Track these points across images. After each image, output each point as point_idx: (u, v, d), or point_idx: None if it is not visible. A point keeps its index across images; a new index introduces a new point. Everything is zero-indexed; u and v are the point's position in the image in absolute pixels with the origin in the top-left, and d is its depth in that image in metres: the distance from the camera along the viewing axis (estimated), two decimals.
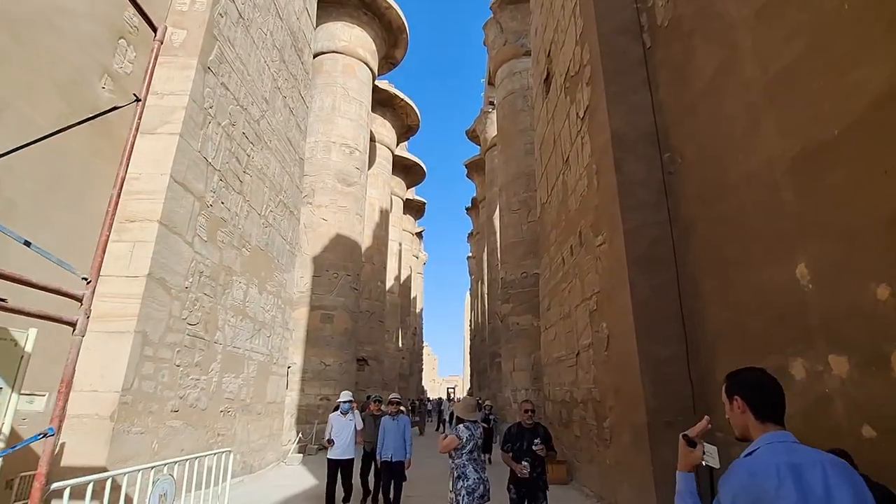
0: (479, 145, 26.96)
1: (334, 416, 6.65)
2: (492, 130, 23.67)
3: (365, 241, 20.57)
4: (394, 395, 6.90)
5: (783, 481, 1.26)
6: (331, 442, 6.40)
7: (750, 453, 1.38)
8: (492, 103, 23.77)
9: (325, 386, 13.30)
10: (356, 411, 6.82)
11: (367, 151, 17.13)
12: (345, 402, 6.72)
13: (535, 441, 4.37)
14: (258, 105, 8.78)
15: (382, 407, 8.72)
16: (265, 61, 9.05)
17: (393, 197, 28.78)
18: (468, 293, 65.76)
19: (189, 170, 6.45)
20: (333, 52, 16.81)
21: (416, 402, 19.07)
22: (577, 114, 7.36)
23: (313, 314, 13.81)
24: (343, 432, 6.46)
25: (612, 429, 5.84)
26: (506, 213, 15.40)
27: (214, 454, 5.88)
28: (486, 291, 26.71)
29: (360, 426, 6.63)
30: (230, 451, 5.81)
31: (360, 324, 18.80)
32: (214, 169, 7.12)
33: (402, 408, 6.64)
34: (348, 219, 15.25)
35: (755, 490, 1.27)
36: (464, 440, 3.97)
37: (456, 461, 3.97)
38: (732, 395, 1.53)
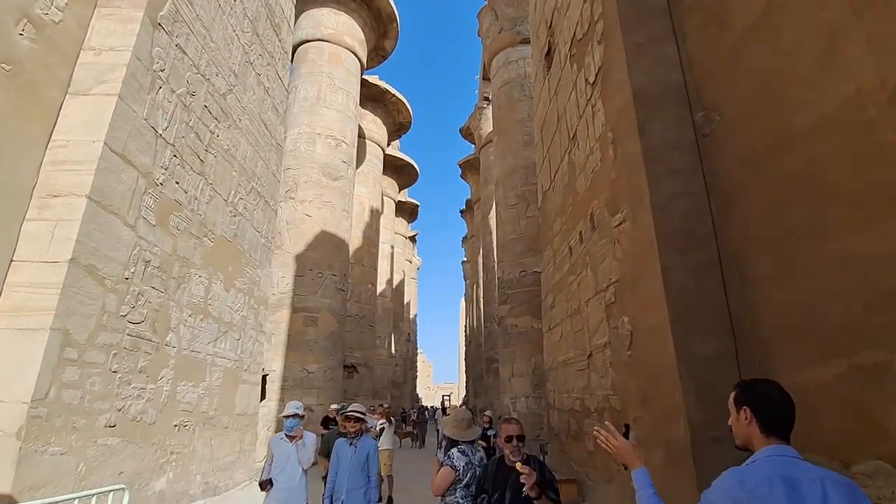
0: (474, 143, 26.09)
1: (275, 441, 4.43)
2: (486, 127, 22.82)
3: (354, 242, 19.56)
4: (353, 407, 4.34)
5: (774, 492, 1.25)
6: (267, 485, 4.18)
7: (748, 465, 1.40)
8: (486, 99, 22.92)
9: (307, 395, 12.20)
10: (309, 434, 4.47)
11: (355, 145, 16.17)
12: (289, 416, 4.37)
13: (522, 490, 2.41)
14: (225, 77, 7.79)
15: (372, 424, 7.73)
16: (234, 30, 8.08)
17: (384, 198, 27.81)
18: (463, 299, 64.74)
19: (131, 139, 5.43)
20: (319, 40, 15.89)
21: (408, 412, 17.61)
22: (587, 80, 6.43)
23: (295, 317, 12.73)
24: (288, 465, 4.23)
25: (638, 445, 4.84)
26: (503, 209, 14.46)
27: (98, 493, 4.39)
28: (481, 295, 25.71)
29: (307, 462, 4.28)
30: (124, 489, 4.67)
31: (348, 328, 17.74)
32: (167, 143, 6.11)
33: (365, 424, 4.34)
34: (334, 215, 14.23)
35: (740, 496, 1.28)
36: (460, 472, 2.94)
37: (447, 500, 2.94)
38: (741, 405, 1.54)
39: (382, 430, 7.91)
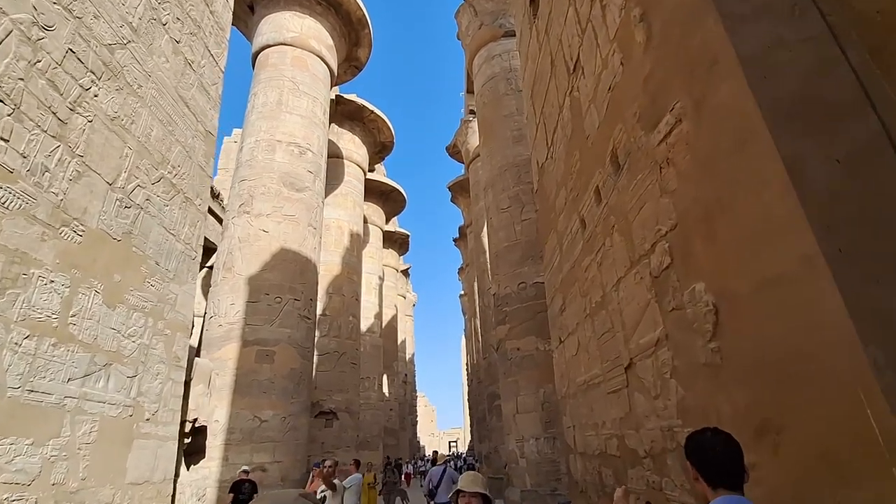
0: (462, 161, 24.45)
1: None
2: (473, 141, 21.19)
3: (332, 269, 17.42)
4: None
5: None
6: None
7: None
8: (472, 112, 21.43)
9: (259, 451, 9.67)
10: None
11: (324, 155, 14.32)
12: None
13: None
14: (112, 26, 5.90)
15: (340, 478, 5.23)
16: None
17: (371, 226, 25.91)
18: (463, 337, 61.73)
19: None
20: (281, 44, 14.37)
21: (395, 463, 14.12)
22: None
23: (245, 351, 10.38)
24: None
25: None
26: (494, 215, 12.43)
27: None
28: (478, 325, 23.28)
29: None
30: None
31: (324, 367, 15.30)
32: None
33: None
34: (297, 230, 12.14)
35: None
36: None
37: None
38: (688, 461, 1.46)
39: (324, 501, 5.48)
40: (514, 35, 12.46)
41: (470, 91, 21.61)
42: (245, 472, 7.93)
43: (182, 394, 7.23)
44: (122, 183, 6.09)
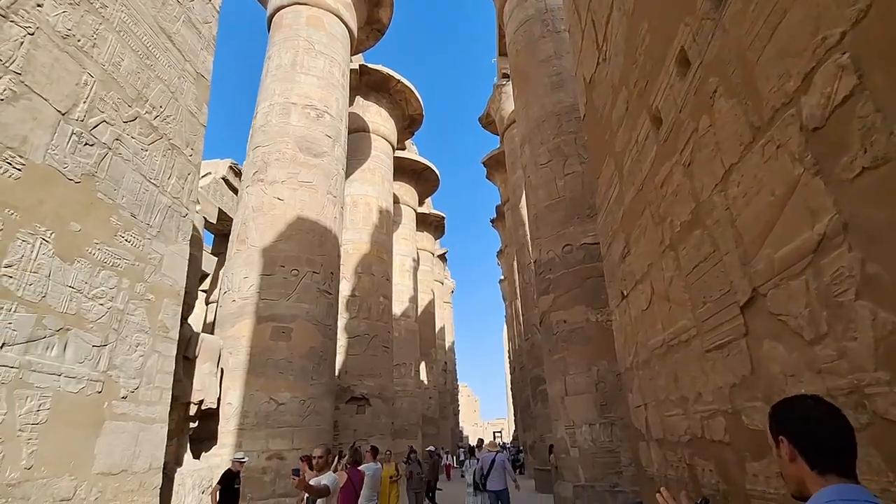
0: (496, 133, 22.84)
1: None
2: (508, 106, 19.55)
3: (360, 248, 16.43)
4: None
5: None
6: None
7: None
8: (506, 76, 19.79)
9: (276, 437, 8.72)
10: None
11: (344, 121, 13.20)
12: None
13: None
14: None
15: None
16: None
17: (403, 207, 24.83)
18: (504, 325, 60.10)
19: None
20: (296, 3, 13.32)
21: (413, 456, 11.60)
22: None
23: (260, 328, 9.45)
24: None
25: None
26: (532, 172, 10.90)
27: None
28: (519, 307, 21.76)
29: None
30: None
31: (354, 350, 14.32)
32: None
33: None
34: (315, 198, 11.09)
35: None
36: None
37: None
38: (777, 436, 1.22)
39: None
40: None
41: (503, 54, 19.96)
42: (240, 461, 6.91)
43: (172, 369, 6.26)
44: (81, 115, 5.08)
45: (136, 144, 5.85)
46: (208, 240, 20.09)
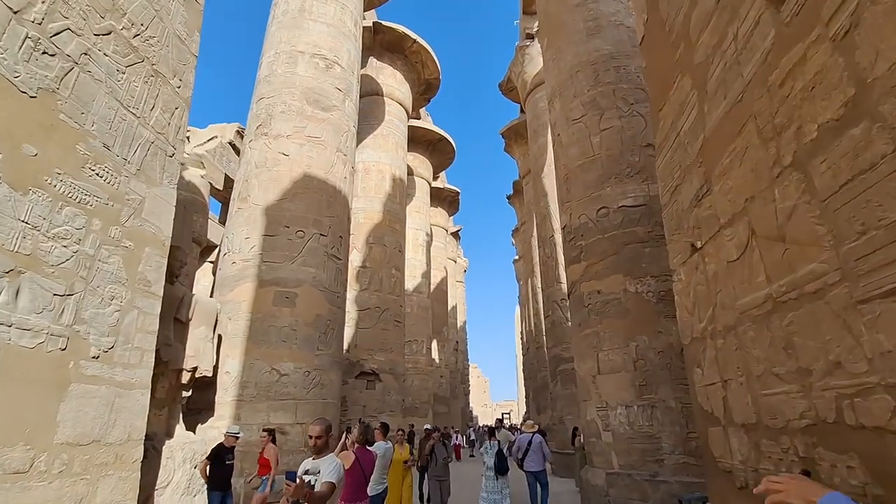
0: (516, 101, 21.58)
1: None
2: (531, 69, 18.28)
3: (372, 216, 15.56)
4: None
5: None
6: None
7: None
8: (529, 36, 18.47)
9: (277, 409, 8.00)
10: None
11: (356, 74, 12.17)
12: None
13: None
14: None
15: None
16: None
17: (417, 179, 23.83)
18: (517, 306, 59.27)
19: None
20: None
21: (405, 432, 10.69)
22: None
23: (262, 293, 8.66)
24: None
25: None
26: (563, 129, 9.83)
27: None
28: (537, 284, 20.81)
29: None
30: None
31: (365, 324, 13.56)
32: None
33: None
34: (323, 155, 10.17)
35: None
36: None
37: None
38: None
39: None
40: None
41: (526, 12, 18.64)
42: (234, 435, 6.18)
43: (155, 329, 5.45)
44: (38, 16, 4.16)
45: (109, 64, 4.95)
46: (215, 208, 19.36)
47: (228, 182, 17.88)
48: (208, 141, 18.39)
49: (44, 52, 4.21)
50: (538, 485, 8.30)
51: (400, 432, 7.32)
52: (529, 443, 8.38)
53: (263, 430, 6.72)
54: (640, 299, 7.59)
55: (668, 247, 4.88)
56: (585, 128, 9.20)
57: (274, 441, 6.77)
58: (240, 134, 17.97)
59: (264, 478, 6.50)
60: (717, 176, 3.73)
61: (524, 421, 40.20)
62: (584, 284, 8.47)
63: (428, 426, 11.48)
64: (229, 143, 18.80)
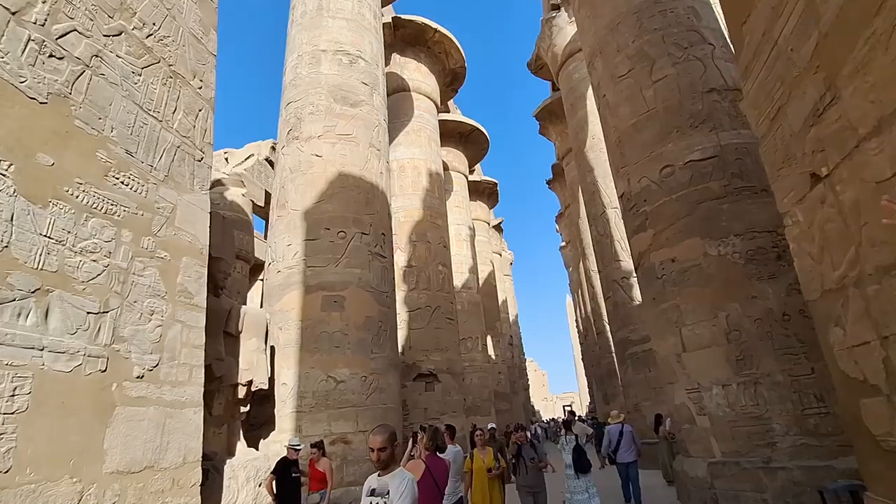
0: (547, 79, 20.57)
1: None
2: (561, 40, 17.30)
3: (412, 214, 15.14)
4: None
5: None
6: None
7: None
8: (555, 6, 17.50)
9: (338, 418, 7.62)
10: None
11: (381, 67, 11.74)
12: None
13: None
14: None
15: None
16: None
17: (454, 174, 23.27)
18: (568, 295, 57.47)
19: None
20: None
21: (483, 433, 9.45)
22: None
23: (310, 299, 8.34)
24: None
25: None
26: (608, 89, 8.94)
27: None
28: (590, 267, 19.71)
29: None
30: None
31: (416, 324, 13.11)
32: None
33: None
34: (357, 152, 9.78)
35: None
36: None
37: None
38: None
39: None
40: None
41: None
42: (294, 448, 5.80)
43: (201, 343, 5.13)
44: (40, 18, 3.87)
45: (123, 66, 4.66)
46: (259, 226, 19.59)
47: (268, 198, 17.98)
48: (246, 160, 18.62)
49: (50, 56, 3.93)
50: (629, 478, 7.84)
51: (479, 432, 6.05)
52: (620, 433, 8.08)
53: (311, 446, 6.37)
54: (725, 262, 6.64)
55: (774, 186, 4.03)
56: (635, 82, 8.30)
57: (324, 453, 6.43)
58: (274, 149, 18.06)
59: (321, 493, 6.15)
60: (846, 76, 2.90)
61: (588, 412, 38.63)
62: (653, 254, 7.59)
63: (492, 425, 10.79)
64: (265, 160, 18.98)
